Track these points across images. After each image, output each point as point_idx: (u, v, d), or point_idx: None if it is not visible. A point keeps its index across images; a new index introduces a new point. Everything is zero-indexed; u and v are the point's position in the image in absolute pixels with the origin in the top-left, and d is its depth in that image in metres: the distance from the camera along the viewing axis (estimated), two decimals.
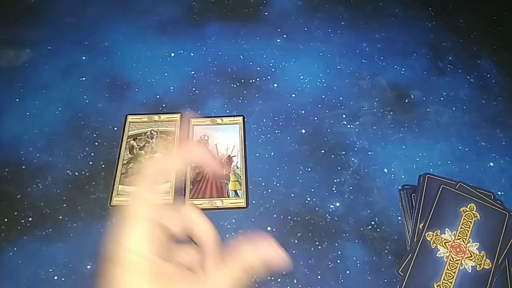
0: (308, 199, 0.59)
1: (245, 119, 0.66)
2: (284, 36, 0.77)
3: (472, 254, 0.52)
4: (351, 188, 0.60)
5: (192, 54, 0.75)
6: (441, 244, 0.53)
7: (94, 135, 0.65)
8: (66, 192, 0.59)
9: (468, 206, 0.55)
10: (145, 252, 0.24)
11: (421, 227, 0.55)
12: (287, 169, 0.62)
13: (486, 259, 0.52)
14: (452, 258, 0.52)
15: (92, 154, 0.63)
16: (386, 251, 0.55)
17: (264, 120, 0.67)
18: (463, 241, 0.53)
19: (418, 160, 0.63)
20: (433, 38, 0.78)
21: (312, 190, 0.60)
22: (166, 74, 0.72)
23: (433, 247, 0.53)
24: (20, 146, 0.64)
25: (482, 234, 0.53)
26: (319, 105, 0.68)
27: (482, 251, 0.52)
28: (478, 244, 0.53)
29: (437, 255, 0.52)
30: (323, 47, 0.76)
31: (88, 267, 0.53)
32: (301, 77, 0.72)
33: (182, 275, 0.25)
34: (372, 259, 0.54)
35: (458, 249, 0.52)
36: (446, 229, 0.54)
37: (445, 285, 0.50)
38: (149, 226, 0.25)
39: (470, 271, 0.51)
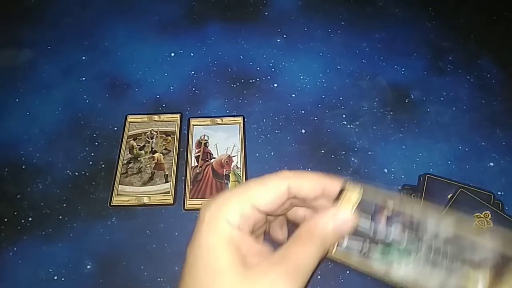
0: None
1: (245, 119, 0.66)
2: (284, 36, 0.77)
3: None
4: None
5: (192, 54, 0.75)
6: None
7: (94, 135, 0.65)
8: (66, 192, 0.59)
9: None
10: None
11: None
12: (287, 169, 0.61)
13: None
14: None
15: (92, 154, 0.63)
16: None
17: (264, 120, 0.67)
18: None
19: (418, 160, 0.63)
20: (433, 38, 0.78)
21: None
22: (166, 74, 0.72)
23: None
24: (20, 146, 0.64)
25: None
26: (319, 105, 0.68)
27: None
28: None
29: None
30: (323, 47, 0.76)
31: (88, 267, 0.53)
32: (301, 77, 0.72)
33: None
34: None
35: None
36: None
37: None
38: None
39: None
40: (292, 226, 0.30)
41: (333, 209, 0.25)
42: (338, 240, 0.25)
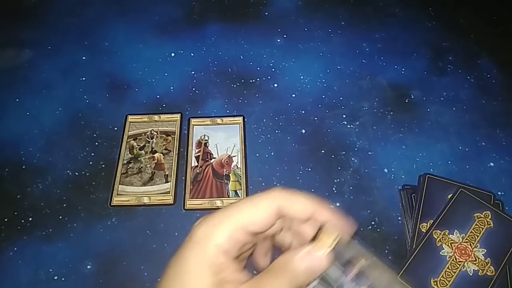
0: None
1: (245, 119, 0.66)
2: (284, 36, 0.77)
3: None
4: (351, 188, 0.60)
5: (192, 54, 0.75)
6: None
7: (94, 135, 0.65)
8: (66, 192, 0.59)
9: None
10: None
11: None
12: (287, 169, 0.62)
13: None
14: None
15: (92, 154, 0.63)
16: (386, 251, 0.55)
17: (264, 120, 0.67)
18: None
19: (418, 160, 0.63)
20: (433, 38, 0.78)
21: (312, 190, 0.60)
22: (166, 74, 0.72)
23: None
24: (20, 146, 0.64)
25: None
26: (319, 105, 0.68)
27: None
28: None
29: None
30: (323, 47, 0.76)
31: (88, 267, 0.53)
32: (301, 77, 0.72)
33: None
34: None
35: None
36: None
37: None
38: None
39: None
40: (277, 252, 0.30)
41: (309, 247, 0.25)
42: (309, 280, 0.25)
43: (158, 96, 0.69)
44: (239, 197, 0.59)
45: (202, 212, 0.58)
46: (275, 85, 0.71)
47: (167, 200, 0.59)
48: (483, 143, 0.65)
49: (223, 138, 0.64)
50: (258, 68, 0.73)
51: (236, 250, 0.26)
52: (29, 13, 0.81)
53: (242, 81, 0.71)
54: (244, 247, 0.27)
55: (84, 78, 0.71)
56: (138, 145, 0.64)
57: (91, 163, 0.62)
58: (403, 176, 0.61)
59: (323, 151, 0.64)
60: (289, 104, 0.68)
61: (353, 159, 0.63)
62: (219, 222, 0.25)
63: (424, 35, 0.78)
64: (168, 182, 0.60)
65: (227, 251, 0.25)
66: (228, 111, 0.68)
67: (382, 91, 0.70)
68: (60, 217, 0.57)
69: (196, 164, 0.62)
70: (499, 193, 0.59)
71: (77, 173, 0.61)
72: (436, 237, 0.54)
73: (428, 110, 0.68)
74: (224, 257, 0.25)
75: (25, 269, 0.53)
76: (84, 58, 0.74)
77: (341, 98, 0.69)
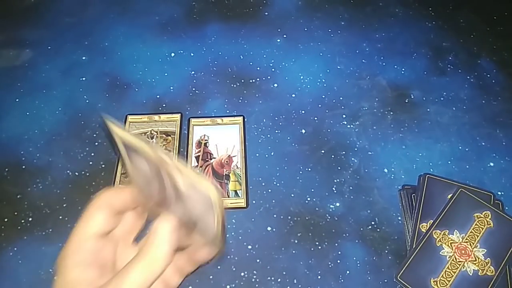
0: (308, 199, 0.59)
1: (245, 119, 0.66)
2: (284, 36, 0.78)
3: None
4: (351, 188, 0.60)
5: (192, 54, 0.75)
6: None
7: (94, 135, 0.65)
8: (66, 192, 0.59)
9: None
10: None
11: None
12: (287, 169, 0.62)
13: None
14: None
15: (92, 154, 0.63)
16: (386, 251, 0.55)
17: (264, 120, 0.67)
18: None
19: (418, 160, 0.63)
20: (433, 38, 0.78)
21: (312, 190, 0.60)
22: (166, 74, 0.72)
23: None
24: (20, 146, 0.64)
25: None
26: (319, 105, 0.68)
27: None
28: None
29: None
30: (323, 47, 0.76)
31: None
32: (301, 77, 0.72)
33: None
34: (372, 259, 0.54)
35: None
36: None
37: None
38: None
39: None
40: None
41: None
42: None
43: (158, 96, 0.69)
44: (239, 197, 0.59)
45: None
46: (275, 85, 0.71)
47: None
48: (483, 143, 0.65)
49: (223, 138, 0.64)
50: (258, 68, 0.73)
51: (96, 259, 0.28)
52: (29, 13, 0.81)
53: (242, 81, 0.71)
54: (104, 250, 0.29)
55: (84, 78, 0.71)
56: None
57: (91, 163, 0.62)
58: (403, 176, 0.61)
59: (323, 151, 0.64)
60: (289, 104, 0.68)
61: (353, 159, 0.63)
62: (72, 245, 0.28)
63: (424, 35, 0.78)
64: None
65: (90, 263, 0.27)
66: (228, 111, 0.68)
67: (382, 91, 0.70)
68: (60, 217, 0.57)
69: (196, 164, 0.62)
70: (499, 193, 0.59)
71: (77, 173, 0.61)
72: (436, 237, 0.54)
73: (428, 110, 0.68)
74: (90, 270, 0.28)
75: (25, 269, 0.53)
76: (84, 58, 0.74)
77: (341, 98, 0.69)
